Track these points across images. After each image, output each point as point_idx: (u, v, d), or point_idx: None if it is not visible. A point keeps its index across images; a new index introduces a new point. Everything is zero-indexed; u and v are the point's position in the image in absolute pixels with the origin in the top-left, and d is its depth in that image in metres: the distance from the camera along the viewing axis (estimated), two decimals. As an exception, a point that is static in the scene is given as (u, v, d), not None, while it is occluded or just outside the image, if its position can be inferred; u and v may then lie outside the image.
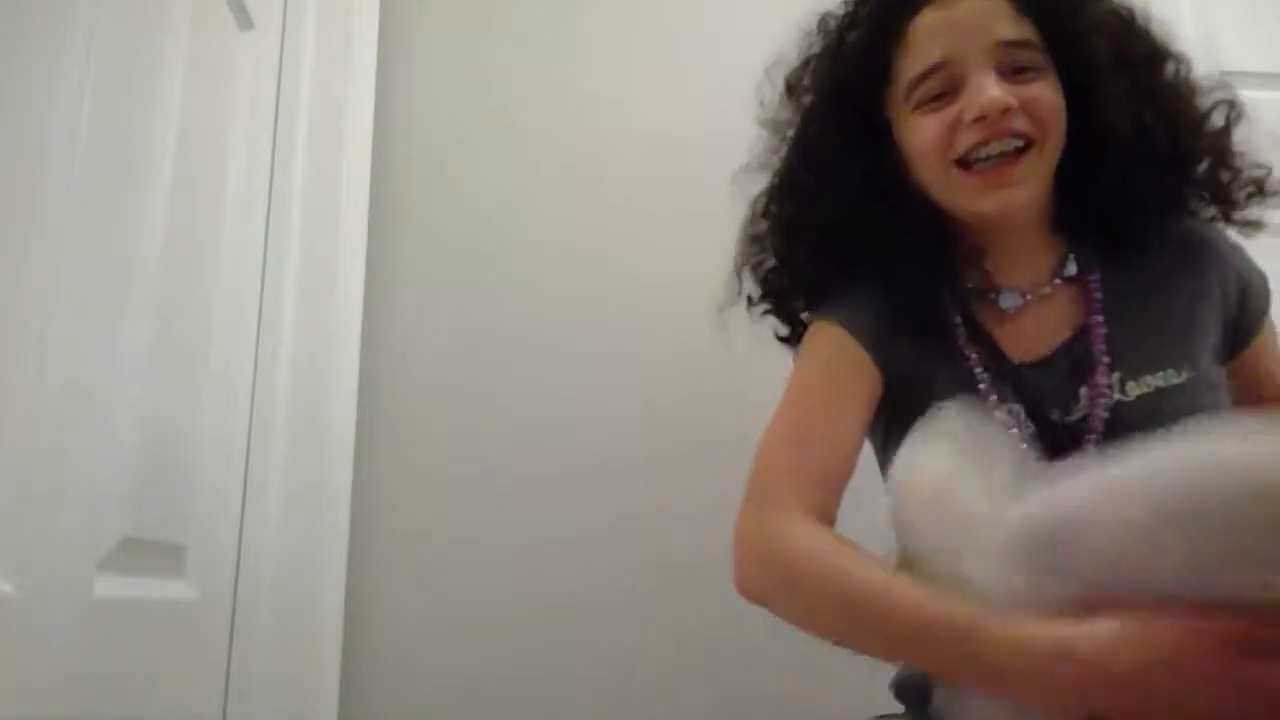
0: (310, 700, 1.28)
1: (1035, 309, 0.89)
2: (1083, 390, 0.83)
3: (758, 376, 1.43)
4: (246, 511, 1.29)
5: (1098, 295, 0.87)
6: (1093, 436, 0.81)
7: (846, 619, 0.74)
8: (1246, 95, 0.95)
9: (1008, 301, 0.89)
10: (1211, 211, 0.92)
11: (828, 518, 0.83)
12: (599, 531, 1.40)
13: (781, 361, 1.45)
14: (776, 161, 0.99)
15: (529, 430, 1.43)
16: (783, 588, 0.78)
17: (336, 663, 1.31)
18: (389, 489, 1.40)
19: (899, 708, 1.00)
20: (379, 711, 1.33)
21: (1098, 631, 0.61)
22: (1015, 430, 0.82)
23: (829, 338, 0.90)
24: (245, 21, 1.34)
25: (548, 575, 1.38)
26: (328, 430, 1.35)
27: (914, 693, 0.96)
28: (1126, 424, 0.80)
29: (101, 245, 0.98)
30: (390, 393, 1.43)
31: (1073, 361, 0.85)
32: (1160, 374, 0.82)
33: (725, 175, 1.52)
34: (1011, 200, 0.84)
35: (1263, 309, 0.92)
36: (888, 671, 1.04)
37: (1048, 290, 0.89)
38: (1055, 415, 0.84)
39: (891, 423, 0.89)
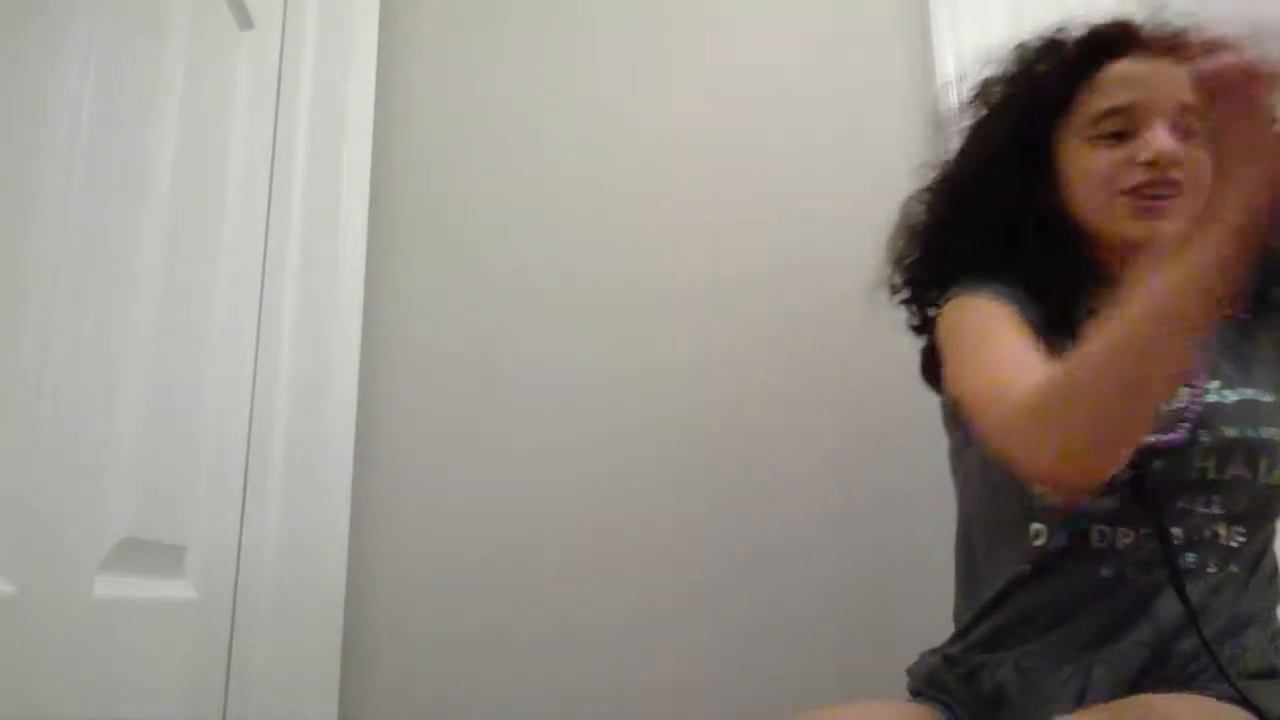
0: (310, 700, 1.28)
1: None
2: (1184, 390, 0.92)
3: (762, 379, 1.45)
4: (246, 511, 1.29)
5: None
6: (1185, 424, 0.90)
7: (1113, 384, 0.75)
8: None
9: None
10: None
11: None
12: (601, 530, 1.40)
13: (798, 356, 1.46)
14: (945, 164, 1.09)
15: (530, 429, 1.43)
16: (1056, 412, 0.78)
17: (336, 663, 1.31)
18: (389, 489, 1.40)
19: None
20: (379, 711, 1.33)
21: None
22: None
23: (984, 298, 0.97)
24: (245, 21, 1.34)
25: (548, 577, 1.38)
26: (328, 430, 1.35)
27: (923, 679, 0.99)
28: (1220, 424, 0.90)
29: (101, 245, 0.98)
30: (391, 392, 1.43)
31: None
32: (1253, 389, 0.93)
33: (729, 175, 1.53)
34: (1161, 232, 0.92)
35: None
36: (903, 660, 1.05)
37: None
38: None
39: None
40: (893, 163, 1.26)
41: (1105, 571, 0.90)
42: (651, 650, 1.35)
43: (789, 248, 1.48)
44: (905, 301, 1.13)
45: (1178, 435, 0.90)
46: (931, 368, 1.07)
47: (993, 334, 0.93)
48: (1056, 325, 0.95)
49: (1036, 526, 0.92)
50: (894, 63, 1.53)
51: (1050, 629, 0.92)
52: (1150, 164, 0.93)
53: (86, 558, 0.95)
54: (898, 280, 1.13)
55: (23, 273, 0.86)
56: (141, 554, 1.05)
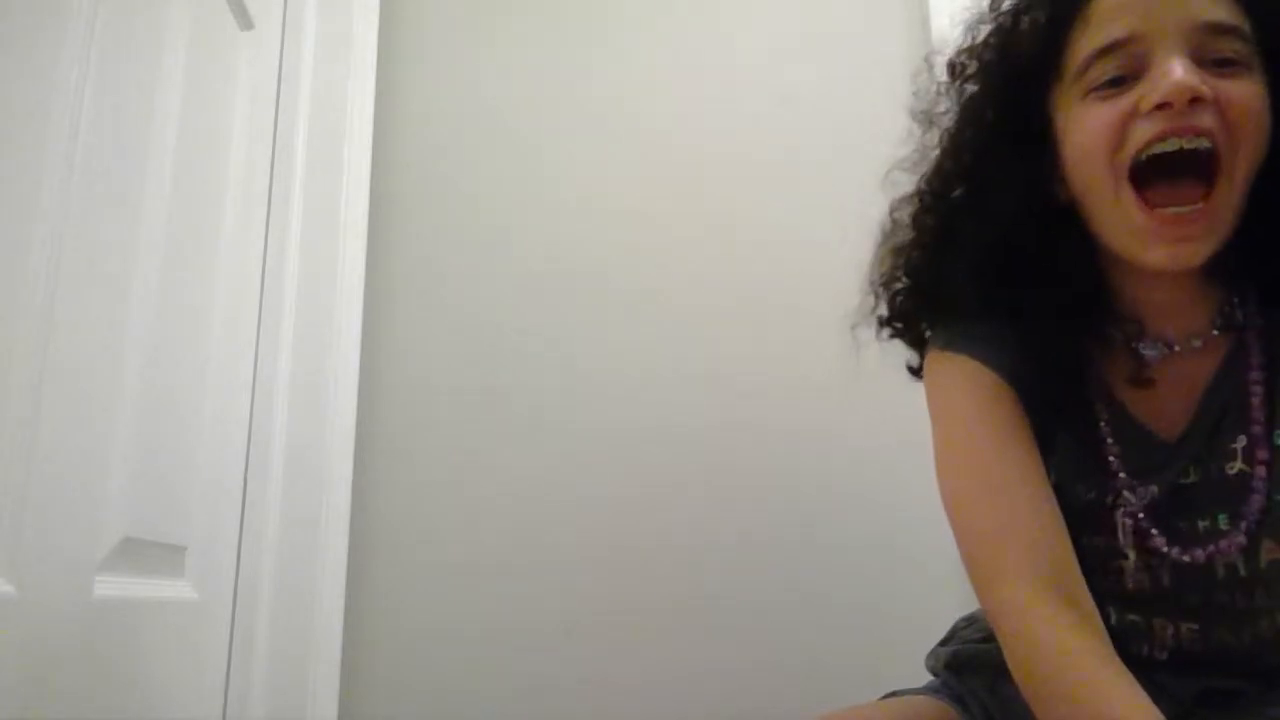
0: (310, 700, 1.28)
1: (1180, 363, 0.78)
2: (1234, 446, 0.76)
3: (766, 380, 1.45)
4: (246, 511, 1.29)
5: (1258, 345, 0.77)
6: (1259, 485, 0.73)
7: None
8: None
9: (1150, 351, 0.78)
10: None
11: (1066, 571, 0.72)
12: (600, 533, 1.40)
13: (806, 357, 1.43)
14: (927, 162, 0.87)
15: (530, 431, 1.43)
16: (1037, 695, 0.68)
17: (336, 663, 1.31)
18: (389, 489, 1.40)
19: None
20: (378, 711, 1.33)
21: None
22: (1139, 512, 0.78)
23: (971, 372, 0.79)
24: (245, 21, 1.34)
25: (547, 576, 1.38)
26: (328, 430, 1.35)
27: (943, 659, 0.93)
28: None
29: (101, 246, 0.98)
30: (390, 393, 1.43)
31: (1219, 419, 0.77)
32: None
33: (727, 176, 1.53)
34: (1189, 257, 0.71)
35: None
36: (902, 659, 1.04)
37: (1198, 344, 0.78)
38: (1192, 478, 0.77)
39: None
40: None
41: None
42: (652, 649, 1.35)
43: (796, 248, 1.48)
44: (896, 336, 0.91)
45: (1234, 542, 0.73)
46: None
47: (994, 455, 0.76)
48: (1055, 377, 0.79)
49: None
50: (902, 61, 1.53)
51: None
52: (1162, 109, 0.68)
53: (86, 558, 0.95)
54: (884, 312, 0.90)
55: (23, 272, 0.86)
56: (141, 554, 1.05)
